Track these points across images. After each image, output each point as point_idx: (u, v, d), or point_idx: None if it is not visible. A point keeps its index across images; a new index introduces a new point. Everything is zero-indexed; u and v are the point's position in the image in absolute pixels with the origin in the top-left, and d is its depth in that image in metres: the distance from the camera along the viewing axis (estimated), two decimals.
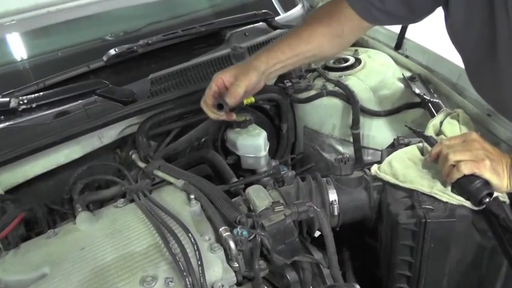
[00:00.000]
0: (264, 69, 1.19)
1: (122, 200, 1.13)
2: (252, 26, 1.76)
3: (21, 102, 1.28)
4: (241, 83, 1.16)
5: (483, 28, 0.98)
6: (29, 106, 1.29)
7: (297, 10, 1.95)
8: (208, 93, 1.21)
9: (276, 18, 1.82)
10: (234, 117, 1.27)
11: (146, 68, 1.53)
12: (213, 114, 1.23)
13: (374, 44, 1.81)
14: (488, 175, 0.97)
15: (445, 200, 1.05)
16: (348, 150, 1.55)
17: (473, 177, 0.99)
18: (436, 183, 1.07)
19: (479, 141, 1.02)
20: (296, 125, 1.67)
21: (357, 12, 1.16)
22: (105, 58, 1.48)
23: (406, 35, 1.72)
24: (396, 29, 1.72)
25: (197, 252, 0.90)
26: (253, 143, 1.38)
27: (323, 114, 1.55)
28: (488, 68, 1.02)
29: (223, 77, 1.19)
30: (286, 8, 2.00)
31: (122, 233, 1.01)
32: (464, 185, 1.00)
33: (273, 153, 1.67)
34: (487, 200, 0.98)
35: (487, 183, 0.99)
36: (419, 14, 1.15)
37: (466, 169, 0.97)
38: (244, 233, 0.97)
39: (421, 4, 1.11)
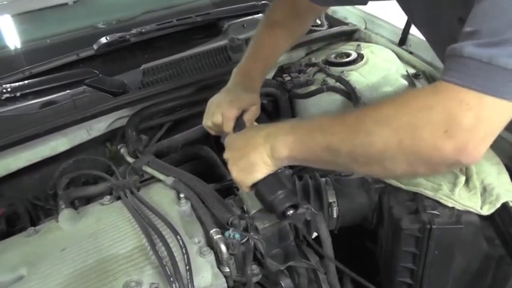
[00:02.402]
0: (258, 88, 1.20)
1: (108, 197, 1.07)
2: (250, 17, 1.69)
3: (4, 90, 1.22)
4: (257, 114, 1.16)
5: (443, 28, 0.95)
6: (13, 95, 1.23)
7: None
8: (235, 114, 1.10)
9: None
10: None
11: (138, 58, 1.48)
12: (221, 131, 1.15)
13: (377, 39, 1.74)
14: (245, 180, 0.89)
15: (450, 205, 0.99)
16: None
17: (275, 186, 0.89)
18: (441, 186, 1.01)
19: (227, 143, 0.94)
20: None
21: (319, 4, 1.21)
22: (95, 46, 1.42)
23: (411, 31, 1.65)
24: (401, 24, 1.66)
25: (185, 256, 0.84)
26: None
27: (323, 111, 1.48)
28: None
29: (247, 103, 1.12)
30: None
31: (106, 234, 0.94)
32: (264, 194, 0.89)
33: None
34: (291, 212, 0.87)
35: (291, 193, 0.89)
36: None
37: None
38: (236, 236, 0.91)
39: None
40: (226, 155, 0.92)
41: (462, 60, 0.64)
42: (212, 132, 1.17)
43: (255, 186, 0.91)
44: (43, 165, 1.28)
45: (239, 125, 1.09)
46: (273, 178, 0.89)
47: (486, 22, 0.63)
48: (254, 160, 0.86)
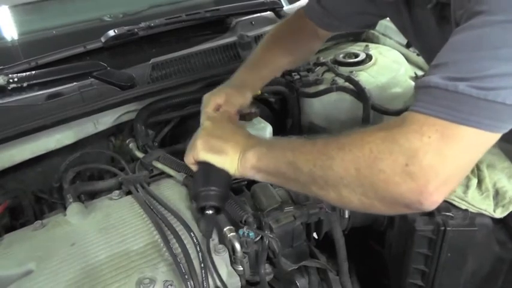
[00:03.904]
0: (257, 87, 1.21)
1: (117, 191, 1.04)
2: (258, 14, 1.68)
3: (10, 80, 1.18)
4: (235, 101, 1.10)
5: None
6: (19, 85, 1.19)
7: (305, 1, 1.87)
8: None
9: (284, 9, 1.74)
10: None
11: (146, 52, 1.45)
12: None
13: (384, 40, 1.74)
14: (202, 154, 0.89)
15: (463, 207, 0.99)
16: None
17: (214, 180, 0.88)
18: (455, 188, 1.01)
19: (213, 120, 0.98)
20: (301, 120, 1.59)
21: (321, 27, 1.23)
22: (103, 39, 1.39)
23: None
24: None
25: (200, 253, 0.82)
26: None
27: (331, 111, 1.47)
28: None
29: (218, 99, 1.09)
30: (291, 1, 1.92)
31: (117, 229, 0.92)
32: (199, 180, 0.89)
33: None
34: (210, 212, 0.87)
35: (222, 197, 0.88)
36: (370, 22, 1.27)
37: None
38: (250, 234, 0.89)
39: (371, 17, 1.20)
40: (205, 124, 0.96)
41: (429, 90, 0.64)
42: None
43: (200, 164, 0.91)
44: (45, 158, 1.26)
45: None
46: (218, 172, 0.88)
47: (454, 56, 0.64)
48: (225, 149, 0.88)
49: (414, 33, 1.04)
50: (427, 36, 0.98)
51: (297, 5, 1.85)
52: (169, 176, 1.09)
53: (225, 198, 0.90)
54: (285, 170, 0.79)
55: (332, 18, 1.18)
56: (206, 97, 1.09)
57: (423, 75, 1.47)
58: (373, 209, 0.70)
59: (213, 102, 1.07)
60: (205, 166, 0.90)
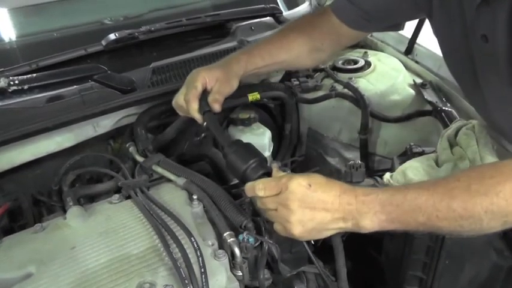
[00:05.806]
0: (241, 73, 1.13)
1: (117, 195, 1.05)
2: (258, 20, 1.69)
3: (11, 82, 1.18)
4: (224, 90, 1.08)
5: (461, 45, 0.95)
6: (20, 87, 1.20)
7: (304, 7, 1.88)
8: (194, 94, 1.06)
9: (284, 14, 1.75)
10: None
11: (147, 56, 1.46)
12: (187, 113, 1.10)
13: (383, 47, 1.75)
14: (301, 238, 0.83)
15: None
16: (352, 156, 1.49)
17: (249, 154, 0.91)
18: None
19: (296, 193, 0.80)
20: (300, 126, 1.60)
21: (346, 23, 1.15)
22: (104, 42, 1.40)
23: (417, 40, 1.66)
24: (407, 33, 1.67)
25: (200, 258, 0.83)
26: (257, 143, 1.28)
27: (330, 117, 1.49)
28: (470, 83, 1.00)
29: (207, 79, 1.07)
30: (290, 7, 1.93)
31: (117, 233, 0.92)
32: (236, 162, 0.90)
33: (273, 154, 1.59)
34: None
35: (263, 161, 0.91)
36: (400, 20, 1.23)
37: (279, 232, 0.85)
38: (250, 240, 0.90)
39: (403, 13, 1.15)
40: (292, 205, 0.80)
41: None
42: (180, 113, 1.15)
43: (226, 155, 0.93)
44: (44, 160, 1.25)
45: (201, 106, 1.05)
46: (248, 146, 0.92)
47: None
48: (328, 227, 0.82)
49: (440, 18, 0.99)
50: (455, 21, 0.94)
51: (296, 10, 1.86)
52: (169, 181, 1.09)
53: (265, 161, 0.91)
54: (417, 228, 0.80)
55: (360, 13, 1.12)
56: (195, 72, 1.08)
57: (423, 83, 1.50)
58: None
59: (202, 80, 1.05)
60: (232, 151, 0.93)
